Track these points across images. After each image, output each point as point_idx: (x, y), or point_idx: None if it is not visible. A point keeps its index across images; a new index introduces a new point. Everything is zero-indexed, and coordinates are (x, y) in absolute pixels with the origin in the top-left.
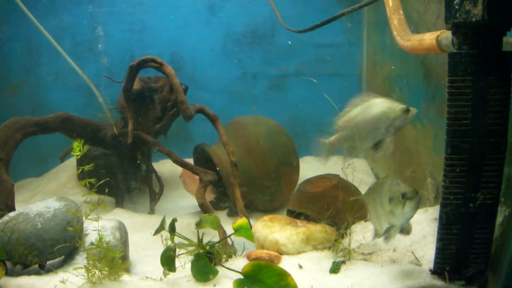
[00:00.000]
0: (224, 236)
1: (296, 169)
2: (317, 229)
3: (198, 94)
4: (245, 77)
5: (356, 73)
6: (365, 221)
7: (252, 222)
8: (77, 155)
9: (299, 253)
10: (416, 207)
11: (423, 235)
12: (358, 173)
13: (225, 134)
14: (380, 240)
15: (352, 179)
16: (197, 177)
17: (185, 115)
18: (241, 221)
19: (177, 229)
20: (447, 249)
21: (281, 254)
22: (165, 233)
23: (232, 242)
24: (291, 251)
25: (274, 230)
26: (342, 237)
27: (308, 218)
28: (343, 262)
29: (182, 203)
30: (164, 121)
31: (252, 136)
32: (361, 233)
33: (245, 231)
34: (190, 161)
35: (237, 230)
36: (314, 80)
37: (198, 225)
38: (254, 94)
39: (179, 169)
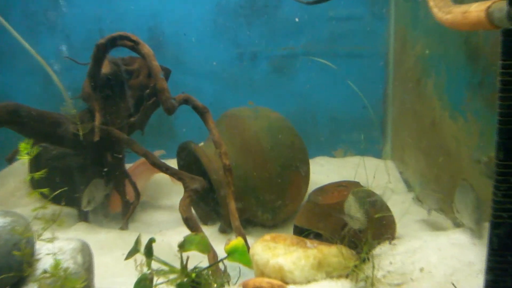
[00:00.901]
0: (214, 261)
1: (305, 174)
2: (332, 252)
3: (184, 79)
4: (242, 58)
5: (381, 53)
6: (392, 242)
7: (250, 241)
8: (27, 158)
9: (308, 282)
10: None
11: (468, 262)
12: (383, 178)
13: (216, 131)
14: (412, 267)
15: (369, 182)
16: (152, 172)
17: (166, 107)
18: (236, 241)
19: (156, 251)
20: (500, 281)
21: (286, 283)
22: (141, 256)
23: (225, 267)
24: (298, 280)
25: (278, 252)
26: (364, 262)
27: (320, 238)
28: None
29: (163, 216)
30: (141, 113)
31: (250, 133)
32: (388, 257)
33: (241, 255)
34: (173, 163)
35: (230, 254)
36: (331, 65)
37: (182, 247)
38: (253, 80)
39: (161, 174)
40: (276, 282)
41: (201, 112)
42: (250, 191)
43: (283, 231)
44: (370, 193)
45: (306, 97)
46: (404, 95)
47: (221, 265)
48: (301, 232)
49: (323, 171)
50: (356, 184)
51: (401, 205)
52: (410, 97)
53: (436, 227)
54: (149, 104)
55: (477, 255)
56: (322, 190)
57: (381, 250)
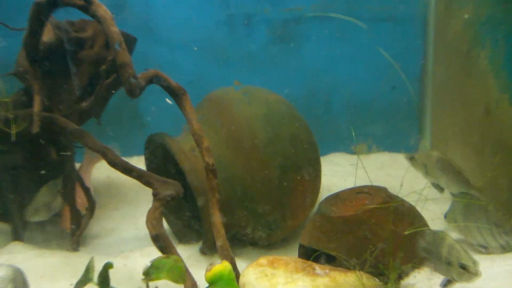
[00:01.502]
0: None
1: (313, 176)
2: (349, 281)
3: (154, 51)
4: (233, 22)
5: (418, 16)
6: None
7: (240, 266)
8: None
9: None
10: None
11: None
12: (417, 182)
13: (196, 119)
14: None
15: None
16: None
17: (129, 87)
18: (221, 266)
19: (115, 280)
20: None
21: None
22: (94, 287)
23: None
24: None
25: (277, 281)
26: None
27: (333, 261)
28: None
29: (126, 232)
30: (95, 96)
31: (241, 123)
32: (427, 286)
33: (227, 285)
34: (141, 162)
35: (213, 283)
36: (359, 23)
37: (148, 274)
38: (247, 51)
39: (124, 176)
40: None
41: (176, 94)
42: (240, 200)
43: (283, 253)
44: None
45: (317, 74)
46: (449, 72)
47: None
48: (309, 254)
49: (339, 173)
50: (382, 190)
51: (442, 218)
52: (456, 74)
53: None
54: (107, 83)
55: None
56: (337, 198)
57: (416, 278)
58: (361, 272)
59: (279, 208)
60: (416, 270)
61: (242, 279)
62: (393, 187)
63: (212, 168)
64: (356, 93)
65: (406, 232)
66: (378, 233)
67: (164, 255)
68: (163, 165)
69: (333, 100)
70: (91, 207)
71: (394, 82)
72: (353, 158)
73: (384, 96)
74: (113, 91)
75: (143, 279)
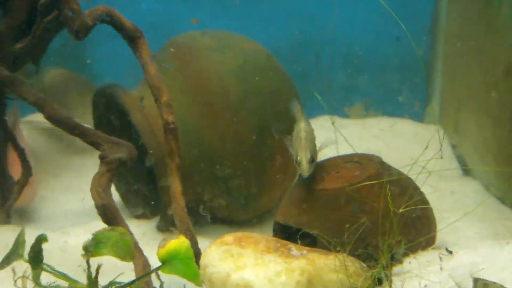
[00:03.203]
0: (145, 272)
1: None
2: (329, 265)
3: None
4: None
5: None
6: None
7: (203, 245)
8: None
9: None
10: None
11: None
12: (425, 152)
13: (154, 68)
14: None
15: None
16: None
17: (74, 27)
18: (177, 242)
19: (52, 258)
20: None
21: None
22: (24, 264)
23: (162, 283)
24: None
25: (245, 262)
26: (380, 283)
27: (313, 242)
28: None
29: (68, 203)
30: (33, 36)
31: (211, 75)
32: (420, 275)
33: (184, 264)
34: (87, 119)
35: (167, 262)
36: None
37: (88, 249)
38: None
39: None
40: None
41: (130, 37)
42: (208, 167)
43: (259, 232)
44: None
45: (307, 19)
46: (465, 23)
47: (156, 282)
48: (286, 233)
49: (329, 140)
50: (376, 160)
51: (450, 197)
52: (473, 26)
53: (504, 233)
54: (47, 21)
55: None
56: (322, 167)
57: (410, 265)
58: (345, 255)
59: (254, 179)
60: (411, 255)
61: (203, 259)
62: (393, 159)
63: (172, 127)
64: (352, 44)
65: (401, 210)
66: (368, 210)
67: (109, 228)
68: (113, 122)
69: (325, 51)
70: (26, 172)
71: (399, 32)
72: (346, 122)
73: (386, 49)
74: (55, 32)
75: (82, 255)
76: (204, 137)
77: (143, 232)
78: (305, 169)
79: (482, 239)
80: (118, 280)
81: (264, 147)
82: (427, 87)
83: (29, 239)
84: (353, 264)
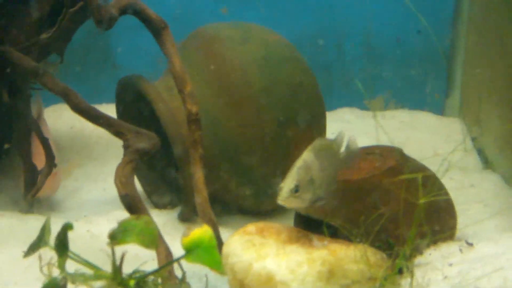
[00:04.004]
0: (167, 261)
1: (318, 133)
2: (350, 255)
3: None
4: None
5: None
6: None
7: (225, 235)
8: None
9: None
10: None
11: None
12: (443, 146)
13: (178, 59)
14: None
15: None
16: None
17: (99, 17)
18: (200, 231)
19: (76, 246)
20: None
21: None
22: (49, 252)
23: (184, 273)
24: None
25: (267, 252)
26: (401, 272)
27: (335, 233)
28: None
29: (91, 193)
30: (58, 27)
31: (234, 66)
32: (442, 268)
33: (207, 253)
34: (111, 110)
35: (190, 250)
36: None
37: (114, 237)
38: None
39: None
40: None
41: (155, 29)
42: (230, 159)
43: (282, 222)
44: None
45: (328, 11)
46: (488, 14)
47: (178, 271)
48: (307, 224)
49: (349, 132)
50: (396, 151)
51: (470, 189)
52: (496, 17)
53: None
54: (72, 12)
55: None
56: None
57: (431, 256)
58: (366, 245)
59: (277, 168)
60: (432, 247)
61: (226, 249)
62: (413, 151)
63: (196, 117)
64: (374, 36)
65: (421, 201)
66: (389, 201)
67: (134, 216)
68: (137, 113)
69: (346, 43)
70: (50, 162)
71: (421, 24)
72: (366, 114)
73: (408, 41)
74: (80, 23)
75: (108, 243)
76: (227, 127)
77: (164, 222)
78: (281, 196)
79: (502, 232)
80: (141, 269)
81: (284, 138)
82: (448, 79)
83: (53, 228)
84: (374, 255)
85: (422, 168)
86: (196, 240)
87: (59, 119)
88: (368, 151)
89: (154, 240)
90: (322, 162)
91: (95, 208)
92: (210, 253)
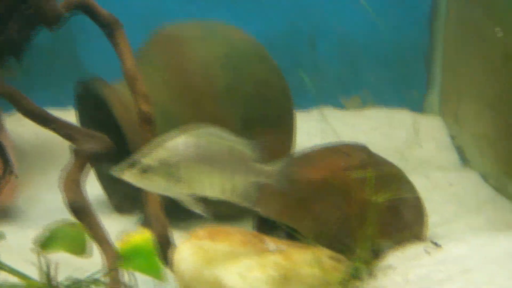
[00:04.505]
0: (114, 266)
1: (286, 134)
2: (307, 260)
3: None
4: None
5: None
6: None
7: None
8: None
9: None
10: None
11: None
12: (423, 143)
13: (130, 56)
14: None
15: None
16: None
17: (45, 15)
18: (139, 238)
19: (11, 254)
20: None
21: None
22: None
23: (134, 281)
24: None
25: (217, 258)
26: (359, 276)
27: (293, 235)
28: None
29: (57, 200)
30: (12, 26)
31: (195, 64)
32: (406, 270)
33: (146, 260)
34: (69, 115)
35: (129, 257)
36: None
37: (42, 245)
38: None
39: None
40: None
41: (106, 26)
42: None
43: (247, 226)
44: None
45: (301, 7)
46: (466, 8)
47: (127, 277)
48: (268, 226)
49: (323, 132)
50: (362, 150)
51: (446, 188)
52: (474, 10)
53: (500, 225)
54: (28, 11)
55: None
56: (306, 158)
57: (396, 258)
58: (323, 249)
59: None
60: (398, 249)
61: (176, 256)
62: (389, 149)
63: (148, 116)
64: (349, 32)
65: (380, 199)
66: (353, 202)
67: (66, 224)
68: (98, 117)
69: (320, 41)
70: (8, 167)
71: (399, 20)
72: (343, 114)
73: (385, 39)
74: (34, 25)
75: (33, 250)
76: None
77: (124, 228)
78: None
79: (477, 232)
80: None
81: (250, 139)
82: (426, 77)
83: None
84: (332, 259)
85: (389, 166)
86: (135, 246)
87: (22, 127)
88: (332, 149)
89: (83, 248)
90: (207, 154)
91: (57, 217)
92: (149, 261)
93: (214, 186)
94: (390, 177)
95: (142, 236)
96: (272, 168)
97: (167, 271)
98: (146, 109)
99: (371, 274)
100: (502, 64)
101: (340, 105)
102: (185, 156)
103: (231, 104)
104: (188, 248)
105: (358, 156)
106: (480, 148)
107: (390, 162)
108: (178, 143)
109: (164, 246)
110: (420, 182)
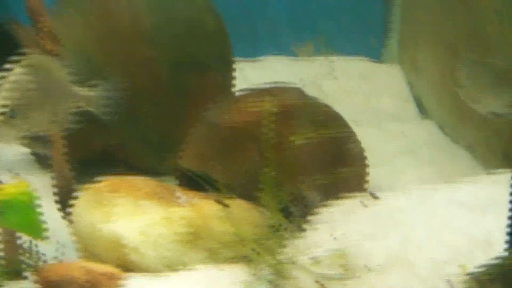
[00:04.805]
0: (10, 233)
1: (223, 80)
2: (217, 213)
3: None
4: None
5: None
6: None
7: None
8: None
9: (171, 268)
10: None
11: (484, 238)
12: (380, 93)
13: None
14: (376, 247)
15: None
16: None
17: None
18: (14, 187)
19: None
20: None
21: (128, 270)
22: None
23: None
24: (153, 265)
25: (116, 212)
26: (279, 232)
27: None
28: None
29: None
30: None
31: (120, 5)
32: (337, 225)
33: (22, 214)
34: None
35: (6, 207)
36: None
37: None
38: None
39: None
40: (103, 269)
41: None
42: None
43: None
44: None
45: None
46: None
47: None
48: (193, 179)
49: (272, 81)
50: (295, 90)
51: (401, 139)
52: None
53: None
54: None
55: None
56: (232, 101)
57: (331, 212)
58: (243, 201)
59: (175, 122)
60: (336, 202)
61: (74, 211)
62: (341, 99)
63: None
64: None
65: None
66: (281, 149)
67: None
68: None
69: None
70: None
71: None
72: (294, 63)
73: None
74: None
75: None
76: (110, 74)
77: (45, 184)
78: None
79: (424, 183)
80: None
81: (181, 85)
82: (385, 22)
83: None
84: (249, 212)
85: (324, 110)
86: (10, 199)
87: None
88: (261, 92)
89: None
90: (42, 85)
91: None
92: (27, 216)
93: (42, 119)
94: (324, 121)
95: (18, 188)
96: (90, 92)
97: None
98: (51, 48)
99: (301, 229)
100: (458, 4)
101: (292, 54)
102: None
103: (160, 45)
104: (85, 202)
105: (288, 97)
106: (437, 96)
107: (327, 105)
108: (22, 79)
109: (65, 201)
110: (374, 134)
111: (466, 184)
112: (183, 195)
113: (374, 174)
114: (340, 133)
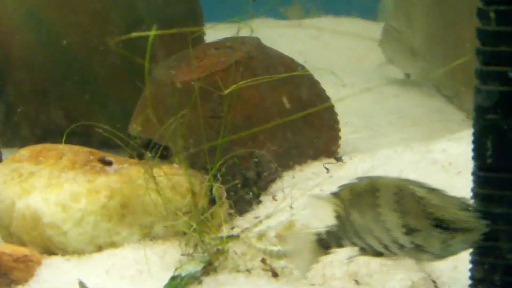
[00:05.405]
0: None
1: (193, 39)
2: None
3: None
4: None
5: None
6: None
7: None
8: None
9: (98, 247)
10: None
11: None
12: (369, 53)
13: None
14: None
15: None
16: None
17: None
18: None
19: None
20: None
21: (53, 252)
22: None
23: None
24: (74, 244)
25: (34, 185)
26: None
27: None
28: (201, 274)
29: None
30: None
31: None
32: (294, 194)
33: None
34: None
35: None
36: None
37: None
38: None
39: None
40: (17, 253)
41: None
42: (71, 76)
43: None
44: None
45: None
46: None
47: None
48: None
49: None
50: (252, 42)
51: (390, 100)
52: None
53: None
54: None
55: None
56: (184, 57)
57: (292, 178)
58: (185, 169)
59: (130, 90)
60: (298, 167)
61: None
62: (329, 60)
63: None
64: None
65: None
66: (237, 106)
67: None
68: None
69: None
70: None
71: None
72: (282, 24)
73: None
74: None
75: None
76: (63, 35)
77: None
78: None
79: (402, 144)
80: None
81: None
82: None
83: None
84: (192, 181)
85: (286, 61)
86: None
87: None
88: (217, 45)
89: None
90: None
91: None
92: None
93: None
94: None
95: None
96: None
97: None
98: None
99: (256, 199)
100: None
101: (281, 16)
102: None
103: (114, 2)
104: (2, 173)
105: (245, 49)
106: (432, 55)
107: (288, 57)
108: None
109: None
110: (364, 96)
111: (442, 142)
112: (116, 163)
113: (356, 137)
114: (317, 98)
